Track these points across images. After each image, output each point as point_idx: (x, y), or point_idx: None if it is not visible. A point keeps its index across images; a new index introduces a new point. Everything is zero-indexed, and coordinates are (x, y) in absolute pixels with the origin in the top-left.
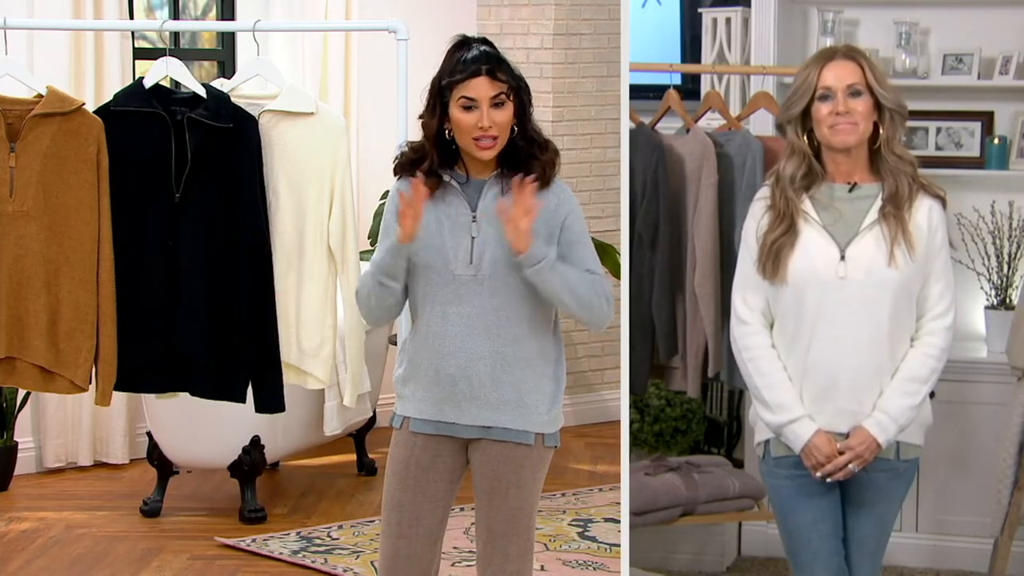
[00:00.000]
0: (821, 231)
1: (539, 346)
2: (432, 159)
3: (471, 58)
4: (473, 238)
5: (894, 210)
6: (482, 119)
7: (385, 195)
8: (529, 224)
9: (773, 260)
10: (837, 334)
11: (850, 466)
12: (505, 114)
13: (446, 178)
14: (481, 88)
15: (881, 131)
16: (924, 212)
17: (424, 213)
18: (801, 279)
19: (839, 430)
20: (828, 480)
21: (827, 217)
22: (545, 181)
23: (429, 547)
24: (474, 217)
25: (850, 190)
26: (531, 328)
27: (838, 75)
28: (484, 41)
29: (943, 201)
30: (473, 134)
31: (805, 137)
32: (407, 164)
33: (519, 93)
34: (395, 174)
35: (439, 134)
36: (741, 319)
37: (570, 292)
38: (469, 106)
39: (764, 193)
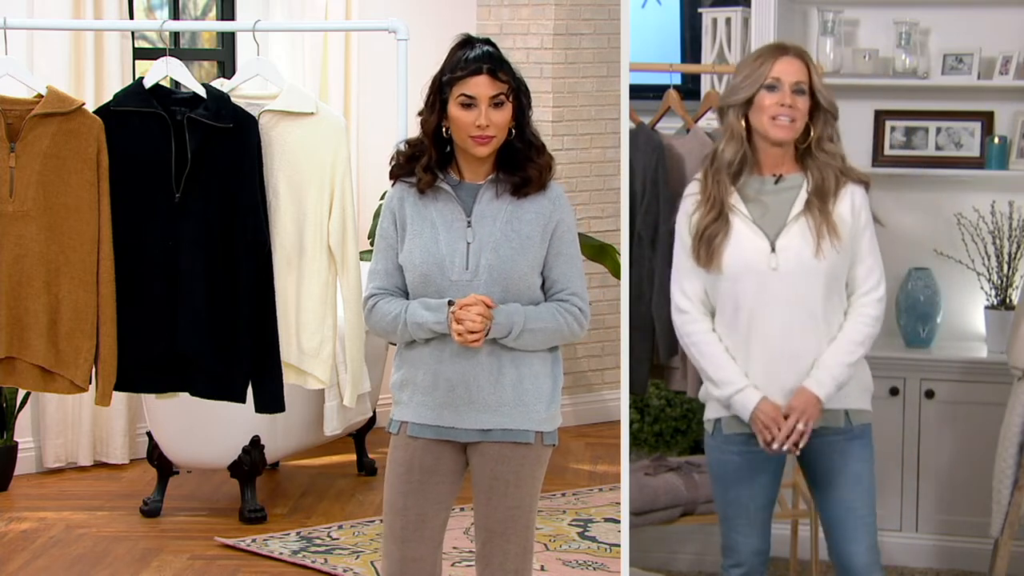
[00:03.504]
0: (750, 224)
1: None
2: (430, 155)
3: (473, 57)
4: (468, 243)
5: (819, 203)
6: (480, 118)
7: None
8: (485, 318)
9: (706, 248)
10: (774, 320)
11: (798, 426)
12: (503, 115)
13: (439, 181)
14: (481, 87)
15: (813, 130)
16: (847, 199)
17: (417, 219)
18: (735, 270)
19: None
20: (783, 450)
21: (755, 210)
22: (540, 185)
23: (434, 549)
24: (469, 222)
25: (776, 182)
26: None
27: (788, 70)
28: (487, 42)
29: (866, 185)
30: (470, 132)
31: (743, 123)
32: (404, 164)
33: (519, 95)
34: (391, 177)
35: (437, 132)
36: (680, 308)
37: (545, 339)
38: (468, 104)
39: (693, 188)
